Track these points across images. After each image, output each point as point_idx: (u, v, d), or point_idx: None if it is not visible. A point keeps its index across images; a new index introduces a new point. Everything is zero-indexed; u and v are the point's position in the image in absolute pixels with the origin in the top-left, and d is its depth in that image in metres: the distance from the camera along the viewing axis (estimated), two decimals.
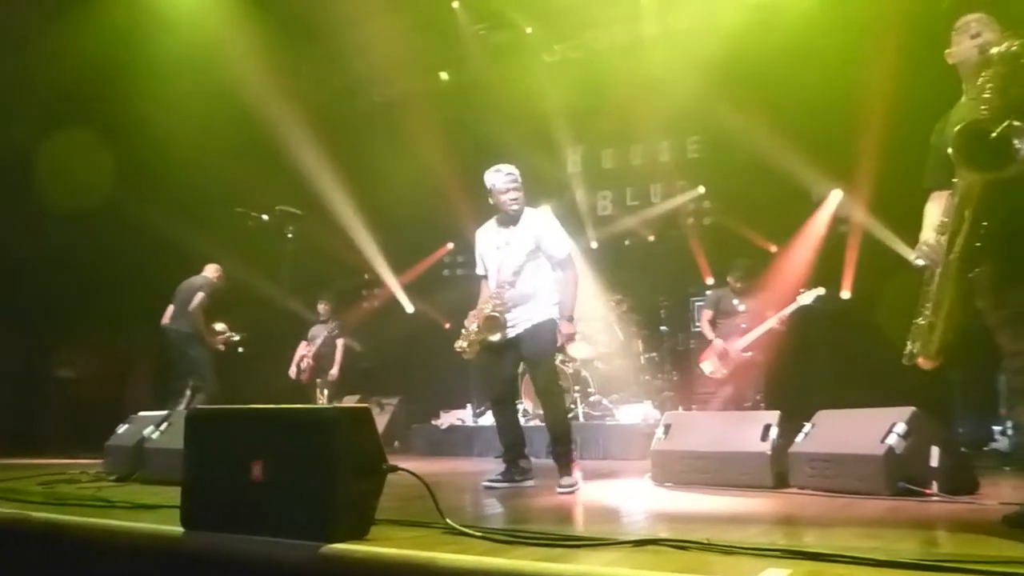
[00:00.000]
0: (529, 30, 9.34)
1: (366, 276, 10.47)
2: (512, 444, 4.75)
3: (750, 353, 7.06)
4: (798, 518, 3.24)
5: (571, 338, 4.76)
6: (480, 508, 3.76)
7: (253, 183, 7.86)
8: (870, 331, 7.44)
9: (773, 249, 8.89)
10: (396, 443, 8.87)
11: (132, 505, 3.25)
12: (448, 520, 2.63)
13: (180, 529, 2.56)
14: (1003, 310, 2.83)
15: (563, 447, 4.57)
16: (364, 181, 9.74)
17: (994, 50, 2.75)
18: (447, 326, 10.05)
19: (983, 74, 2.77)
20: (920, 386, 5.43)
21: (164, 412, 5.06)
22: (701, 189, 9.55)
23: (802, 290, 7.03)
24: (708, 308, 7.43)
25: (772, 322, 7.01)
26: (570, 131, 9.95)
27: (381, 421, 8.93)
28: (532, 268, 4.63)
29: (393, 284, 10.60)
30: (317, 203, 8.98)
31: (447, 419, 8.31)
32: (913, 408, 3.88)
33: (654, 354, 8.42)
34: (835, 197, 8.69)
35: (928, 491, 3.64)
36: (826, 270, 8.36)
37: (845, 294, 8.33)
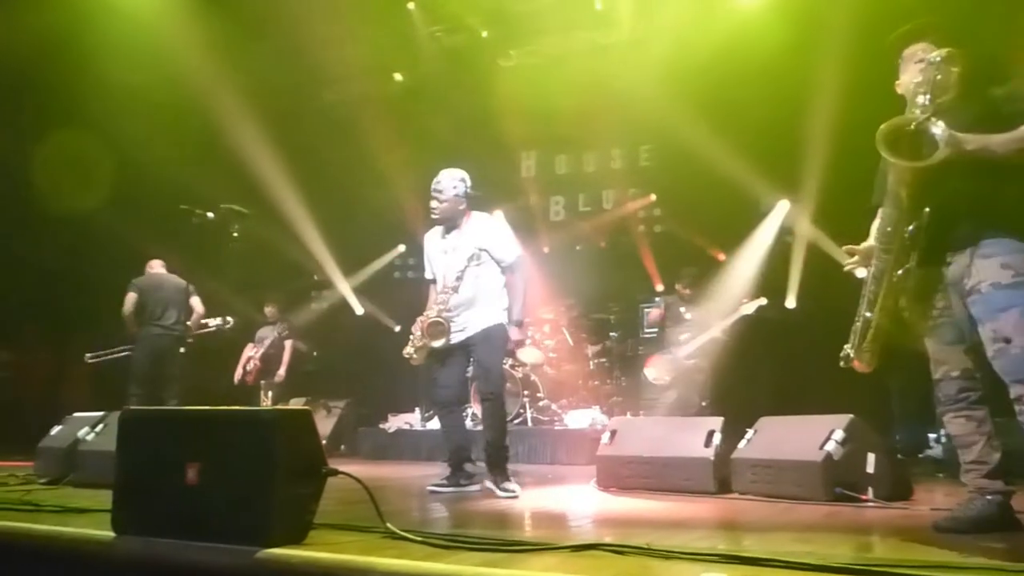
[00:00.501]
0: (485, 34, 9.34)
1: (315, 277, 10.35)
2: (458, 448, 4.73)
3: (694, 360, 7.16)
4: (737, 523, 3.28)
5: (520, 344, 4.77)
6: (423, 513, 3.73)
7: (199, 180, 7.72)
8: (813, 339, 7.59)
9: (722, 257, 9.02)
10: (343, 446, 8.77)
11: (62, 509, 3.15)
12: (388, 524, 2.60)
13: (111, 534, 2.49)
14: (927, 321, 2.93)
15: (502, 453, 4.59)
16: (315, 181, 9.64)
17: (928, 57, 2.86)
18: (397, 329, 9.99)
19: (915, 80, 2.88)
20: (860, 394, 5.57)
21: (100, 413, 4.92)
22: (652, 197, 9.65)
23: (745, 300, 7.16)
24: (657, 308, 7.54)
25: (715, 331, 7.13)
26: (524, 136, 9.97)
27: (328, 424, 8.82)
28: (475, 273, 4.62)
29: (343, 286, 10.50)
30: (266, 202, 8.84)
31: (395, 423, 8.24)
32: (851, 416, 3.97)
33: (603, 359, 8.47)
34: (782, 208, 8.86)
35: (864, 497, 3.72)
36: (772, 279, 8.52)
37: (790, 303, 8.49)
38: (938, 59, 2.81)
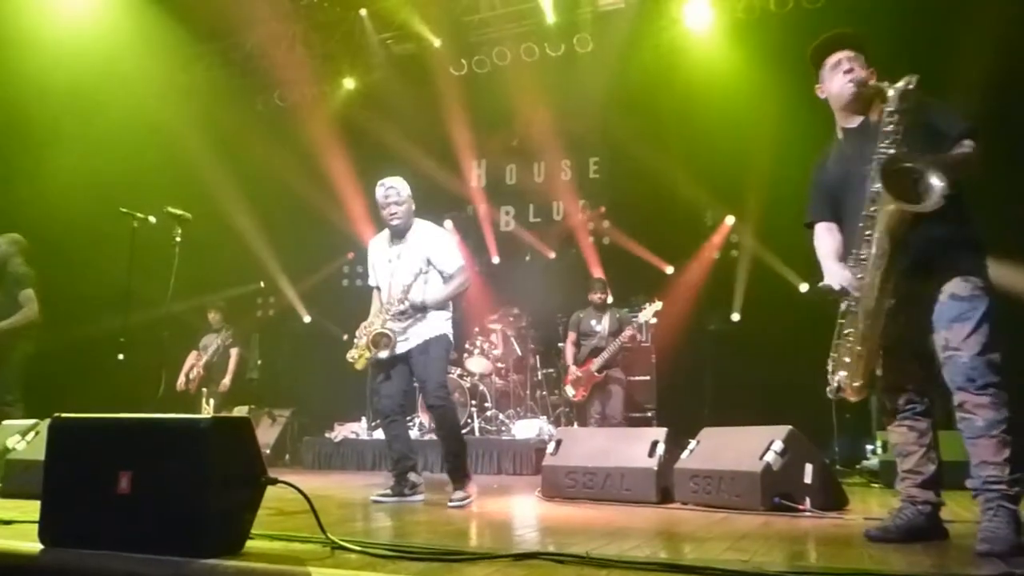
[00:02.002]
0: (438, 43, 9.35)
1: (262, 284, 10.20)
2: (401, 458, 4.71)
3: (604, 373, 7.24)
4: (676, 532, 3.32)
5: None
6: (366, 523, 3.69)
7: (141, 183, 7.57)
8: (758, 352, 7.77)
9: (669, 270, 9.16)
10: (287, 456, 8.66)
11: None
12: (328, 534, 2.58)
13: (38, 546, 2.41)
14: (881, 343, 2.96)
15: (458, 461, 4.58)
16: (262, 186, 9.52)
17: (893, 86, 2.84)
18: (345, 337, 9.88)
19: (885, 108, 2.85)
20: (800, 405, 5.71)
21: (31, 421, 4.78)
22: (602, 209, 9.75)
23: (645, 306, 7.27)
24: (572, 330, 7.62)
25: (617, 343, 7.23)
26: (474, 145, 10.00)
27: (273, 433, 8.70)
28: (421, 283, 4.63)
29: (290, 293, 10.38)
30: (211, 207, 8.71)
31: (341, 432, 8.15)
32: (789, 427, 4.05)
33: (551, 370, 8.51)
34: (728, 222, 9.03)
35: (801, 507, 3.80)
36: (718, 292, 8.68)
37: (735, 316, 8.65)
38: (909, 87, 2.81)
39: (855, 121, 3.08)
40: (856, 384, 3.00)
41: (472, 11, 9.16)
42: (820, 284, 3.04)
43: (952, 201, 2.75)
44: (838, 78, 3.05)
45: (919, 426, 2.97)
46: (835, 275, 3.01)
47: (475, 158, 10.36)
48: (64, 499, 2.46)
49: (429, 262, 4.66)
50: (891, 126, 2.83)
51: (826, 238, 3.19)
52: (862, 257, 2.89)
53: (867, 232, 2.85)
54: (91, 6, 8.30)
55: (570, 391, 7.44)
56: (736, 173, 8.08)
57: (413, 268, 4.62)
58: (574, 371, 7.39)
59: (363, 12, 9.30)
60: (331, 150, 9.67)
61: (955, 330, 2.73)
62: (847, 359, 2.99)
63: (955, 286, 2.77)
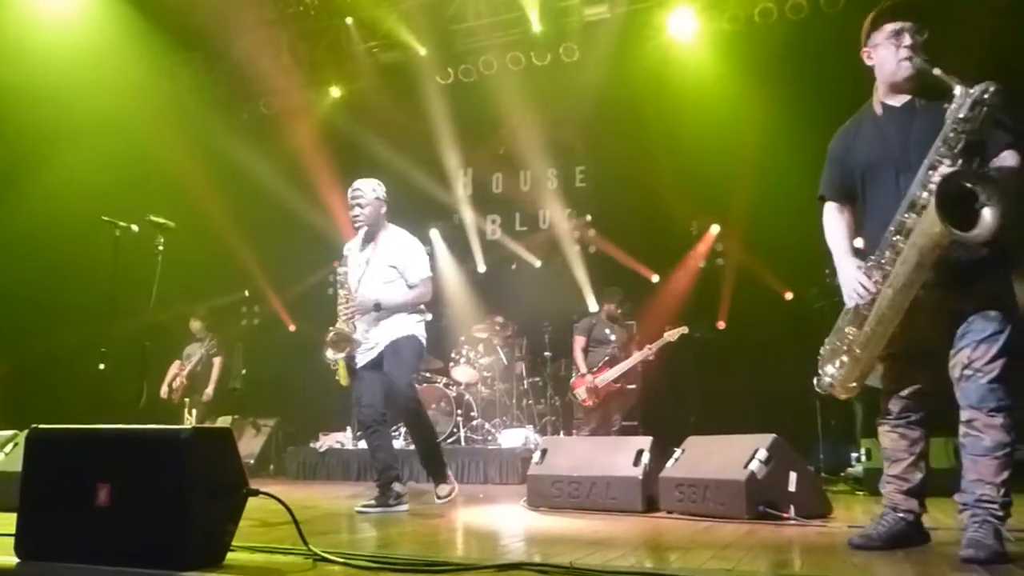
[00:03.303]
0: (423, 51, 9.36)
1: (246, 293, 10.14)
2: (385, 468, 4.68)
3: (619, 384, 7.27)
4: (661, 541, 3.31)
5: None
6: (350, 534, 3.67)
7: (122, 191, 7.51)
8: (743, 360, 7.80)
9: (655, 279, 9.18)
10: (271, 466, 8.60)
11: None
12: (311, 546, 2.55)
13: (14, 559, 2.38)
14: (888, 348, 2.92)
15: (435, 458, 4.71)
16: (247, 195, 9.48)
17: (967, 89, 2.65)
18: None
19: (956, 113, 2.66)
20: (785, 413, 5.73)
21: (10, 432, 4.72)
22: (588, 218, 9.77)
23: (668, 327, 7.29)
24: (580, 335, 7.62)
25: (639, 357, 7.25)
26: (461, 154, 10.00)
27: (257, 443, 8.64)
28: (389, 290, 4.65)
29: (274, 302, 10.33)
30: (196, 215, 8.65)
31: (326, 441, 8.10)
32: (774, 435, 4.05)
33: (537, 379, 8.49)
34: (713, 231, 9.07)
35: (785, 515, 3.80)
36: (703, 301, 8.71)
37: (721, 325, 8.68)
38: (987, 95, 2.61)
39: (900, 100, 2.89)
40: (850, 385, 2.98)
41: (458, 20, 9.17)
42: (847, 308, 2.90)
43: None
44: (896, 51, 2.84)
45: (911, 434, 2.95)
46: (850, 279, 2.88)
47: (461, 167, 10.36)
48: (41, 511, 2.42)
49: (396, 270, 4.67)
50: (954, 133, 2.65)
51: (838, 223, 3.05)
52: (883, 262, 2.77)
53: (896, 237, 2.73)
54: (74, 12, 8.26)
55: (581, 394, 7.40)
56: (721, 182, 8.12)
57: (381, 276, 4.65)
58: (590, 380, 7.34)
59: (349, 21, 9.29)
60: (317, 158, 9.65)
61: (981, 351, 2.68)
62: (844, 358, 2.95)
63: (986, 305, 2.71)
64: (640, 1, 8.56)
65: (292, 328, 10.45)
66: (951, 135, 2.66)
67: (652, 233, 8.92)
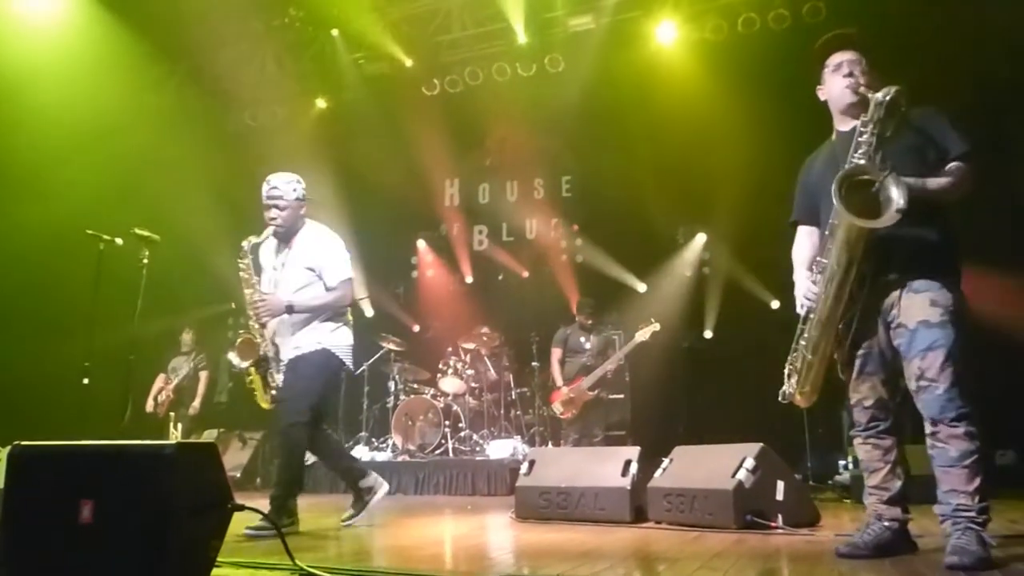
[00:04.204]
0: (409, 63, 9.37)
1: (232, 305, 10.08)
2: (345, 471, 4.54)
3: (596, 391, 7.26)
4: (648, 552, 3.30)
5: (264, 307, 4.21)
6: (336, 547, 3.64)
7: (106, 203, 7.47)
8: (729, 369, 7.82)
9: (642, 288, 9.20)
10: (258, 479, 8.53)
11: None
12: (296, 560, 2.54)
13: None
14: (854, 350, 2.99)
15: (281, 496, 4.13)
16: (232, 206, 9.43)
17: (874, 95, 2.82)
18: None
19: (861, 117, 2.87)
20: (772, 422, 5.73)
21: None
22: (575, 227, 9.79)
23: (641, 326, 7.31)
24: (557, 346, 7.66)
25: (613, 362, 7.27)
26: (447, 165, 10.01)
27: (243, 456, 8.58)
28: (304, 294, 4.24)
29: None
30: (179, 227, 8.61)
31: (313, 455, 8.04)
32: (761, 444, 4.06)
33: (525, 389, 8.49)
34: (699, 240, 9.11)
35: (773, 524, 3.80)
36: (690, 310, 8.73)
37: (708, 333, 8.70)
38: (887, 98, 2.80)
39: (849, 124, 3.04)
40: (804, 391, 3.05)
41: (444, 31, 9.21)
42: (801, 317, 3.06)
43: (929, 218, 2.80)
44: (838, 81, 3.04)
45: (883, 444, 2.99)
46: (799, 288, 3.08)
47: (448, 177, 10.39)
48: (23, 529, 2.39)
49: (314, 272, 4.26)
50: (865, 136, 2.82)
51: (803, 243, 3.23)
52: (822, 266, 2.92)
53: (828, 243, 2.88)
54: (56, 23, 8.22)
55: (558, 408, 7.43)
56: (707, 191, 8.16)
57: (298, 280, 4.27)
58: (565, 391, 7.37)
59: (335, 32, 9.30)
60: (303, 170, 9.56)
61: (929, 360, 2.73)
62: (798, 365, 3.04)
63: (924, 312, 2.76)
64: (624, 11, 8.62)
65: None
66: (862, 139, 2.83)
67: (639, 242, 8.95)
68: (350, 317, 4.42)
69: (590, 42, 8.76)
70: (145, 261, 5.15)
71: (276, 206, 4.30)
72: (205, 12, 8.23)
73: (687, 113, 8.13)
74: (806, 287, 3.03)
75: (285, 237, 4.35)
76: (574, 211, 9.82)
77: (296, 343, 4.22)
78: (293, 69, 9.75)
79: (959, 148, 2.83)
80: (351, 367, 4.41)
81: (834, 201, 2.75)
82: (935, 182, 2.79)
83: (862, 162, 2.80)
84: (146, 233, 5.17)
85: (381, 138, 9.53)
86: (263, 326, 4.26)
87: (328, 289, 4.26)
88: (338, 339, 4.28)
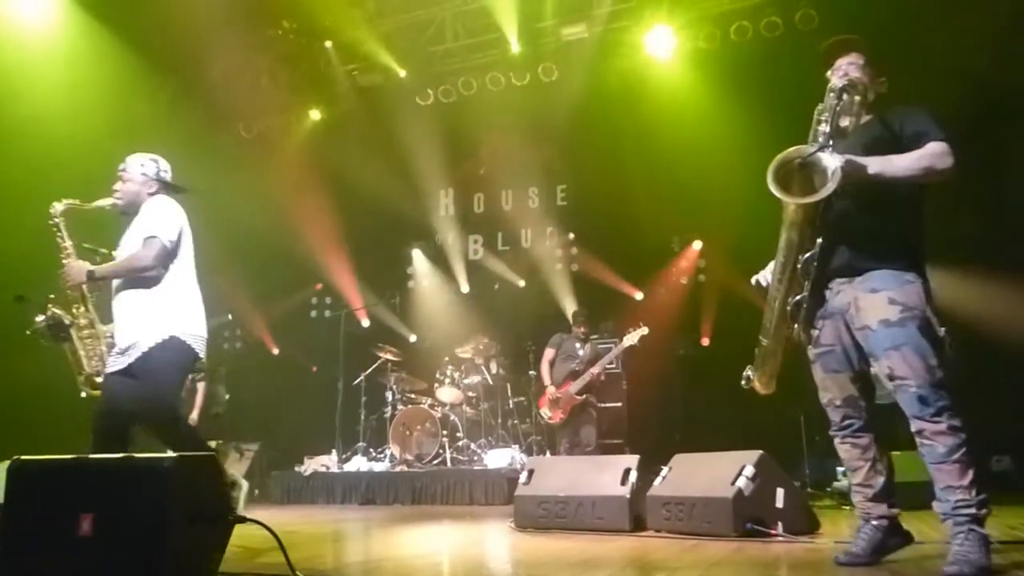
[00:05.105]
0: (403, 73, 9.40)
1: (229, 316, 10.08)
2: None
3: (584, 396, 7.25)
4: (647, 561, 3.30)
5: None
6: (335, 558, 3.64)
7: (102, 216, 7.44)
8: (726, 377, 7.80)
9: (638, 296, 9.21)
10: (256, 490, 8.51)
11: None
12: (296, 571, 2.53)
13: None
14: (813, 348, 3.03)
15: None
16: (227, 218, 9.42)
17: (831, 83, 2.91)
18: (315, 369, 9.82)
19: (818, 106, 2.92)
20: (770, 428, 5.75)
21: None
22: (570, 236, 9.82)
23: (630, 330, 7.32)
24: (550, 348, 7.65)
25: (602, 364, 7.28)
26: (442, 174, 10.03)
27: (241, 468, 8.53)
28: (144, 276, 3.75)
29: (257, 325, 10.27)
30: None
31: (311, 465, 8.04)
32: (760, 452, 4.06)
33: (522, 398, 8.49)
34: (695, 247, 9.13)
35: (773, 531, 3.80)
36: (687, 317, 8.75)
37: (704, 341, 8.71)
38: (839, 86, 2.86)
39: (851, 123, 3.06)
40: (762, 377, 3.11)
41: (437, 42, 9.24)
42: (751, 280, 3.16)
43: (890, 207, 2.83)
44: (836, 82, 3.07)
45: (860, 442, 2.99)
46: (760, 273, 3.18)
47: (442, 187, 10.41)
48: (23, 543, 2.39)
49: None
50: (821, 124, 2.86)
51: None
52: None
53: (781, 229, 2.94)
54: (48, 35, 8.21)
55: (546, 413, 7.43)
56: (702, 198, 8.19)
57: (133, 250, 3.81)
58: (552, 392, 7.38)
59: (328, 44, 9.32)
60: (297, 181, 9.64)
61: (895, 358, 2.73)
62: (757, 351, 3.11)
63: (883, 311, 2.77)
64: (617, 20, 8.66)
65: (275, 351, 10.39)
66: (818, 127, 2.87)
67: (635, 250, 8.97)
68: (199, 303, 3.90)
69: (583, 51, 8.80)
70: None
71: (120, 179, 3.99)
72: (198, 24, 8.24)
73: (681, 121, 8.18)
74: (764, 272, 3.11)
75: (130, 212, 3.95)
76: (569, 220, 9.85)
77: (137, 334, 3.66)
78: (287, 81, 9.77)
79: (933, 134, 2.82)
80: (202, 356, 3.85)
81: (769, 184, 2.79)
82: (900, 158, 2.79)
83: (806, 148, 2.83)
84: None
85: (375, 148, 9.55)
86: (84, 298, 3.88)
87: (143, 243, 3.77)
88: (182, 324, 3.73)
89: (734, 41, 8.14)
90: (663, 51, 8.58)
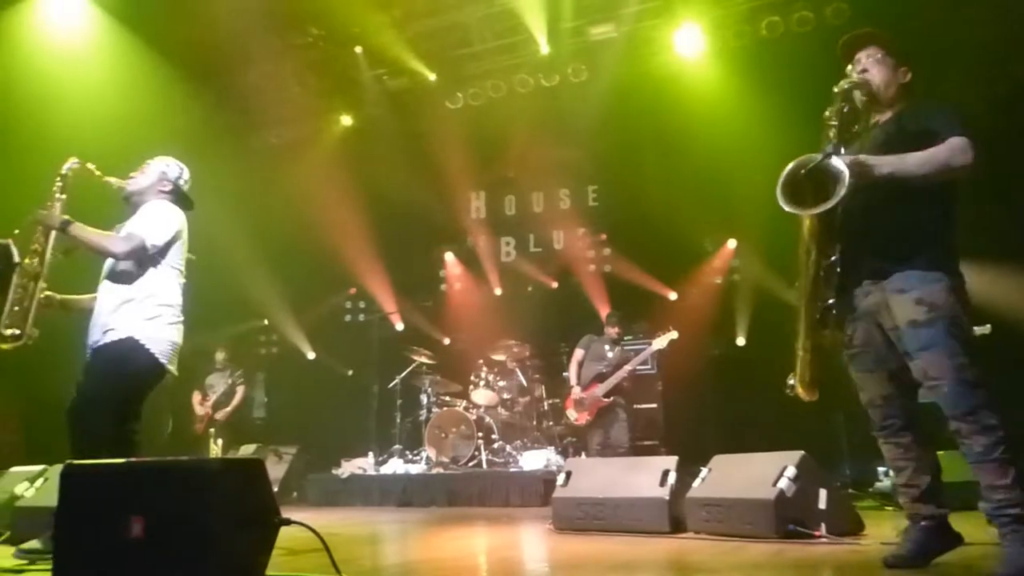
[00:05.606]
0: (432, 77, 9.44)
1: (265, 321, 10.20)
2: None
3: (611, 399, 7.22)
4: (688, 563, 3.28)
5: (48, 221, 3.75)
6: (373, 560, 3.66)
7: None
8: (762, 377, 7.73)
9: (672, 296, 9.16)
10: (294, 493, 8.59)
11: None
12: (343, 574, 2.55)
13: None
14: (850, 349, 3.00)
15: None
16: (261, 224, 9.54)
17: (838, 87, 2.89)
18: (350, 373, 9.90)
19: (827, 110, 2.90)
20: (808, 428, 5.67)
21: (39, 468, 4.75)
22: (603, 236, 9.79)
23: (659, 334, 7.27)
24: (580, 348, 7.63)
25: (630, 367, 7.24)
26: (472, 177, 10.05)
27: (279, 471, 8.62)
28: (124, 272, 3.72)
29: (293, 330, 10.37)
30: (209, 246, 8.72)
31: (348, 468, 8.10)
32: (802, 452, 4.01)
33: (556, 400, 8.47)
34: (729, 246, 9.06)
35: (816, 533, 3.75)
36: (722, 317, 8.68)
37: (740, 341, 8.63)
38: (846, 87, 2.85)
39: (873, 118, 3.05)
40: (802, 385, 3.07)
41: (465, 44, 9.25)
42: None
43: (912, 205, 2.79)
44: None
45: (903, 441, 2.95)
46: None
47: (473, 190, 10.43)
48: (76, 546, 2.43)
49: None
50: (830, 131, 2.85)
51: None
52: None
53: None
54: (82, 47, 8.32)
55: (572, 414, 7.43)
56: (735, 197, 8.10)
57: None
58: (577, 392, 7.37)
59: (358, 49, 9.37)
60: (329, 186, 9.71)
61: (926, 359, 2.70)
62: (797, 356, 3.06)
63: (910, 312, 2.74)
64: (646, 19, 8.61)
65: (311, 355, 10.48)
66: (830, 132, 2.86)
67: (668, 250, 8.90)
68: (179, 312, 3.83)
69: (612, 51, 8.76)
70: (183, 281, 5.20)
71: (140, 170, 4.02)
72: (229, 34, 8.34)
73: (713, 119, 8.11)
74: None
75: (134, 204, 3.93)
76: (601, 220, 9.81)
77: (106, 323, 3.64)
78: (317, 87, 9.85)
79: (951, 129, 2.76)
80: (170, 367, 3.74)
81: (779, 199, 2.78)
82: (913, 156, 2.74)
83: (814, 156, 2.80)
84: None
85: (406, 153, 9.60)
86: (43, 251, 3.77)
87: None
88: (155, 329, 3.65)
89: (765, 37, 8.07)
90: (693, 49, 8.52)
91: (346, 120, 10.12)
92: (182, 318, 3.82)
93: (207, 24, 8.19)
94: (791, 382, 3.14)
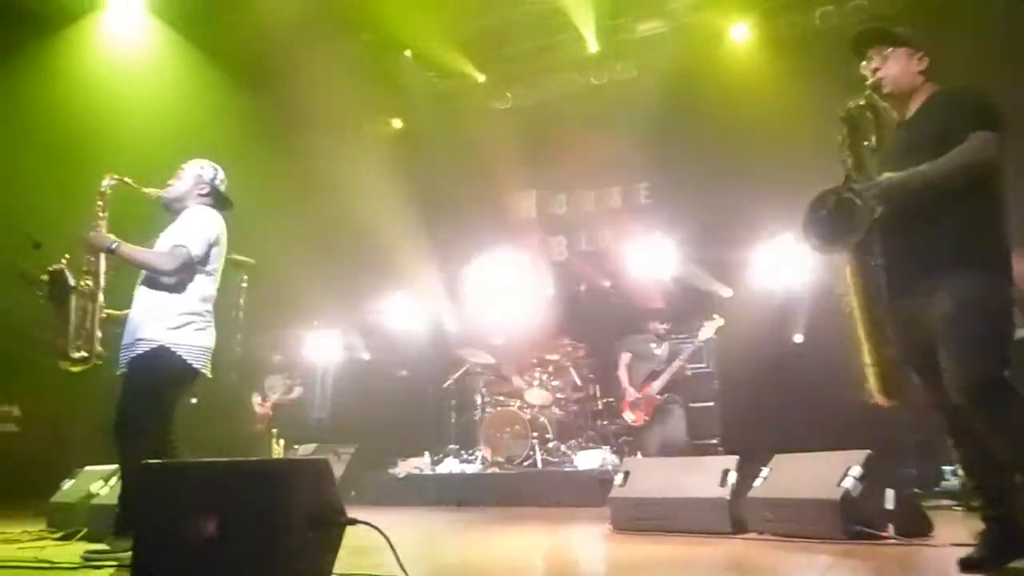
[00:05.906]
0: (481, 78, 9.48)
1: (316, 323, 10.33)
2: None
3: (666, 396, 7.15)
4: (754, 564, 3.24)
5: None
6: (433, 559, 3.69)
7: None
8: (823, 373, 7.59)
9: (727, 292, 9.03)
10: (353, 492, 8.70)
11: (77, 566, 3.12)
12: (408, 574, 2.58)
13: None
14: (906, 355, 2.94)
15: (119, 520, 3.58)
16: (314, 228, 9.68)
17: (846, 105, 2.88)
18: (404, 373, 9.98)
19: (840, 133, 2.89)
20: (871, 427, 5.54)
21: (113, 467, 4.89)
22: (656, 233, 9.69)
23: (703, 323, 7.17)
24: (626, 351, 7.59)
25: (680, 361, 7.16)
26: (522, 177, 10.05)
27: (338, 470, 8.73)
28: (157, 279, 3.77)
29: (348, 330, 10.49)
30: (266, 248, 8.88)
31: (404, 467, 8.18)
32: (868, 451, 3.92)
33: (611, 399, 8.42)
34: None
35: (884, 534, 3.67)
36: (779, 314, 8.52)
37: (798, 338, 8.47)
38: (840, 116, 2.86)
39: (903, 114, 3.00)
40: (879, 392, 3.01)
41: (514, 44, 9.27)
42: None
43: (943, 215, 2.74)
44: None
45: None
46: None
47: (524, 189, 10.42)
48: (153, 543, 2.51)
49: None
50: (847, 160, 2.87)
51: None
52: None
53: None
54: (142, 60, 8.55)
55: (629, 416, 7.40)
56: (790, 191, 7.94)
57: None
58: (632, 393, 7.34)
59: (408, 53, 9.47)
60: (381, 189, 9.81)
61: (953, 353, 2.67)
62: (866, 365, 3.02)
63: (945, 307, 2.69)
64: (694, 13, 8.53)
65: (366, 356, 10.59)
66: (845, 160, 2.89)
67: (722, 246, 8.78)
68: (209, 317, 3.88)
69: (661, 46, 8.71)
70: (244, 285, 5.31)
71: (177, 176, 4.06)
72: (282, 42, 8.50)
73: (766, 113, 7.97)
74: None
75: (174, 211, 3.99)
76: (653, 218, 9.72)
77: (139, 333, 3.69)
78: (368, 91, 9.96)
79: (972, 124, 2.70)
80: (204, 371, 3.80)
81: (806, 242, 2.86)
82: (934, 167, 2.69)
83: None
84: (242, 257, 5.32)
85: (456, 154, 9.65)
86: (96, 272, 3.85)
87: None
88: (188, 336, 3.72)
89: (818, 28, 7.92)
90: (743, 41, 8.40)
91: (396, 123, 10.22)
92: (212, 322, 3.87)
93: (261, 32, 8.37)
94: (871, 392, 3.07)
